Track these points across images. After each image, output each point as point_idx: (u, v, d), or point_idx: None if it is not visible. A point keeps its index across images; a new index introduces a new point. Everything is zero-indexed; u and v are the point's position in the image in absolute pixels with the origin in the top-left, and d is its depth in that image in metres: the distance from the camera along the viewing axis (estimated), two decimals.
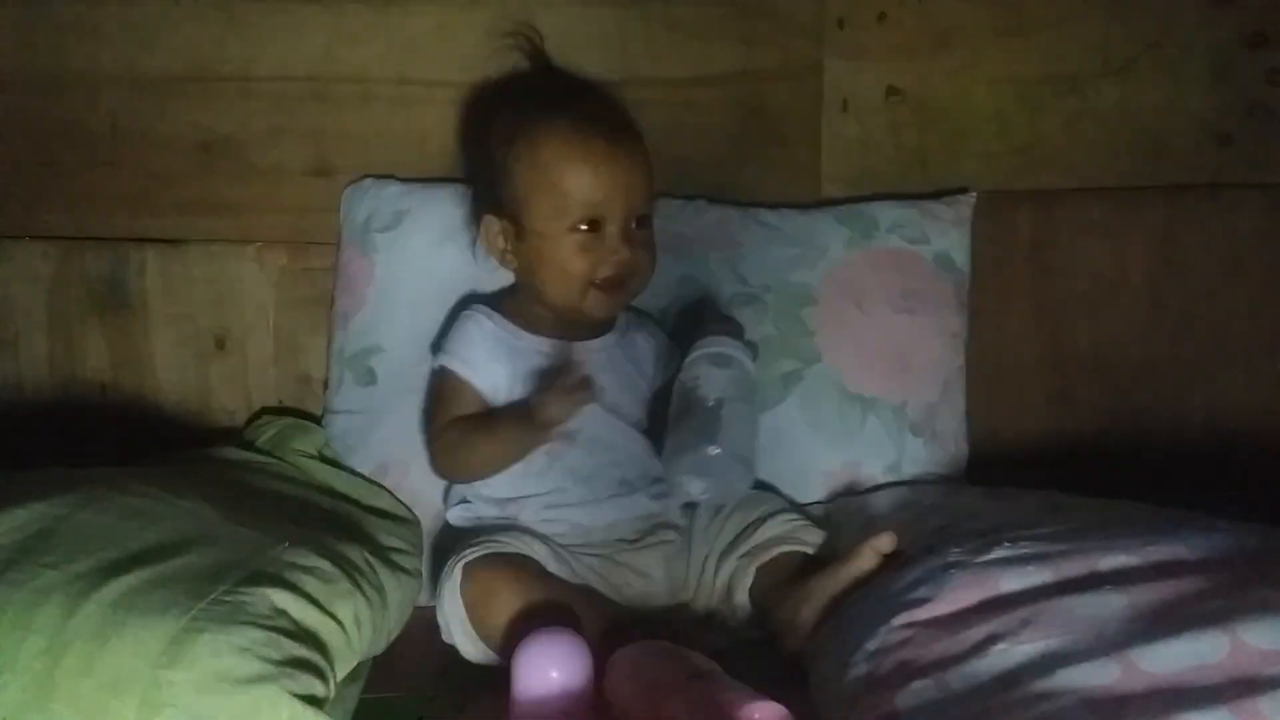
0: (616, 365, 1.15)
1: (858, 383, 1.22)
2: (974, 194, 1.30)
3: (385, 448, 1.21)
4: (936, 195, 1.30)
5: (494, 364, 1.12)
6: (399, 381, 1.22)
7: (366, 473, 1.21)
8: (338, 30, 1.30)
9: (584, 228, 1.09)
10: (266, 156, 1.32)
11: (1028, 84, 1.31)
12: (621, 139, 1.11)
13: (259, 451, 1.19)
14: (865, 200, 1.30)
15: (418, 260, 1.25)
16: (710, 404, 1.02)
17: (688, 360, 1.09)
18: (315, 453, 1.20)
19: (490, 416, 1.10)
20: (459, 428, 1.09)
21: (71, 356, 1.34)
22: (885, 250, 1.26)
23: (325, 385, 1.28)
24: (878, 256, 1.26)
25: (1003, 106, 1.31)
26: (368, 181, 1.30)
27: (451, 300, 1.23)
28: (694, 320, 1.18)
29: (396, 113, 1.31)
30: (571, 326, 1.14)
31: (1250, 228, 1.30)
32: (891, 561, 0.93)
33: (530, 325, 1.14)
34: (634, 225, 1.11)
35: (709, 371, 1.06)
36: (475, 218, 1.17)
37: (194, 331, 1.33)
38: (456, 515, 1.13)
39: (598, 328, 1.16)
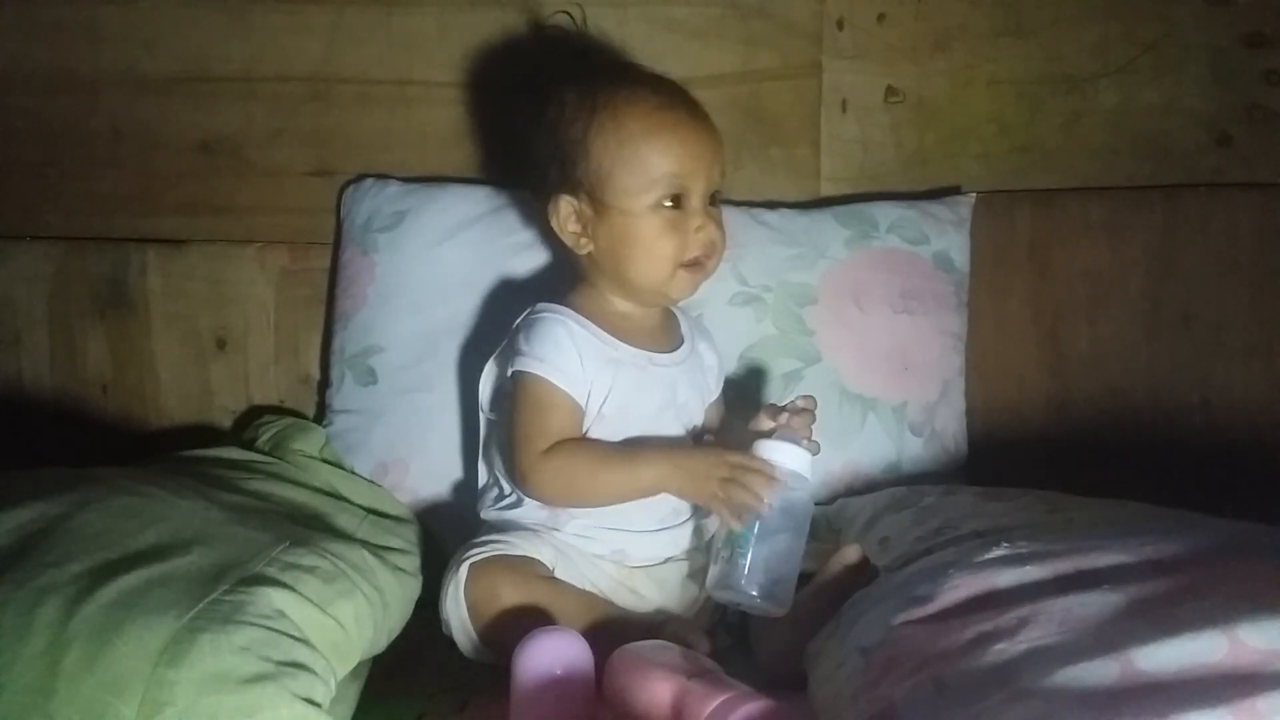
0: (692, 379, 1.12)
1: (858, 383, 1.22)
2: (973, 194, 1.30)
3: (385, 448, 1.22)
4: (936, 195, 1.30)
5: (588, 373, 1.05)
6: (399, 381, 1.23)
7: (366, 473, 1.21)
8: (338, 30, 1.30)
9: (669, 204, 1.05)
10: (267, 156, 1.32)
11: (1027, 84, 1.31)
12: (699, 111, 1.09)
13: (259, 452, 1.19)
14: (865, 200, 1.30)
15: (418, 260, 1.25)
16: (754, 559, 0.95)
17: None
18: (315, 453, 1.21)
19: (621, 451, 1.04)
20: (582, 455, 1.03)
21: (72, 357, 1.34)
22: (885, 250, 1.26)
23: (325, 385, 1.29)
24: (877, 256, 1.26)
25: (1002, 107, 1.31)
26: (368, 181, 1.30)
27: (453, 300, 1.23)
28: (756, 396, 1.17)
29: (396, 113, 1.31)
30: (653, 335, 1.11)
31: (1249, 228, 1.30)
32: (861, 572, 0.96)
33: (619, 333, 1.08)
34: (709, 202, 1.08)
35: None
36: (541, 204, 1.11)
37: (194, 331, 1.33)
38: (495, 514, 1.10)
39: (674, 339, 1.13)
